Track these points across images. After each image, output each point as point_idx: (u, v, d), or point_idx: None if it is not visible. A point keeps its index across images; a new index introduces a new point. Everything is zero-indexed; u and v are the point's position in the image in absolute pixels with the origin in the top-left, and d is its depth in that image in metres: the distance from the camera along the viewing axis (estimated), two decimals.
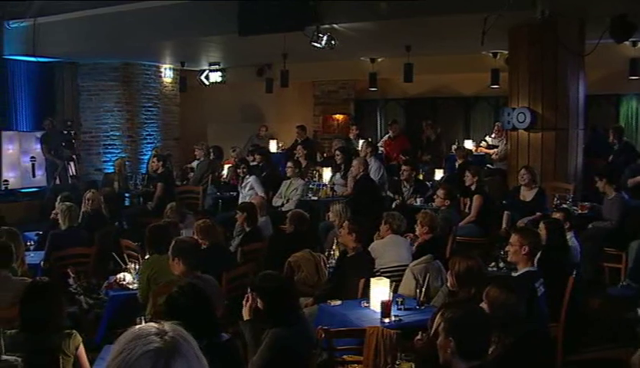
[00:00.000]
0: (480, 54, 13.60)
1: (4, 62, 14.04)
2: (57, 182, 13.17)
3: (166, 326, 1.69)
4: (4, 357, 2.47)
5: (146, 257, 6.61)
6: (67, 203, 8.50)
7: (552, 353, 5.76)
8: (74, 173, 13.70)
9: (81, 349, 4.16)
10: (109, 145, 15.27)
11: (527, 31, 10.12)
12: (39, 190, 13.28)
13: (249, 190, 11.09)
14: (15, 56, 13.91)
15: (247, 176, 11.37)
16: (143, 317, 4.67)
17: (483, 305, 4.18)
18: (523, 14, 9.11)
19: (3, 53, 13.76)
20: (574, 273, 6.09)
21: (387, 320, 5.34)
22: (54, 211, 9.41)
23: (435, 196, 9.49)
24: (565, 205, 9.06)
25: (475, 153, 13.57)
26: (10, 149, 13.79)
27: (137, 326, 1.69)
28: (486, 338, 3.47)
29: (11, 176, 13.66)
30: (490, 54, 13.71)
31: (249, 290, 4.62)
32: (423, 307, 5.64)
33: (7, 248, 5.74)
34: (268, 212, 9.66)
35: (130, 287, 6.54)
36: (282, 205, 10.97)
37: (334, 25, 10.39)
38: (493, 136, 14.23)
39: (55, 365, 3.82)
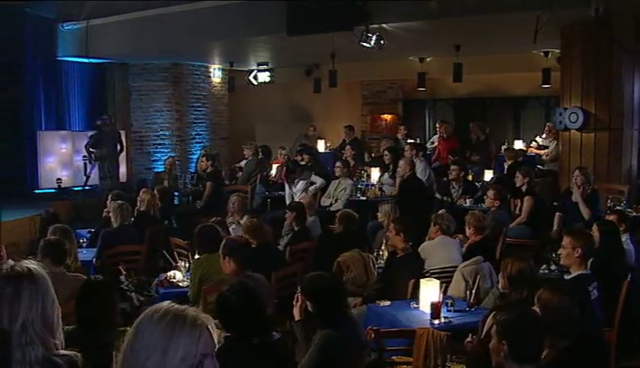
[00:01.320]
0: (531, 53, 13.43)
1: (59, 63, 14.35)
2: (107, 181, 13.35)
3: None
4: (64, 352, 2.50)
5: (197, 256, 6.67)
6: (119, 201, 8.61)
7: (607, 357, 5.64)
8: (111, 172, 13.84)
9: None
10: (158, 144, 15.47)
11: (580, 29, 9.94)
12: (91, 188, 13.50)
13: (301, 185, 11.13)
14: (69, 57, 14.22)
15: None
16: None
17: (536, 308, 4.11)
18: (577, 12, 8.97)
19: (57, 54, 14.09)
20: (629, 276, 5.95)
21: (436, 322, 5.30)
22: (105, 210, 9.57)
23: (485, 197, 9.39)
24: (619, 207, 8.86)
25: (526, 154, 13.39)
26: (63, 149, 14.10)
27: None
28: (539, 341, 3.41)
29: (64, 175, 13.94)
30: (541, 53, 13.50)
31: (298, 290, 4.63)
32: (473, 309, 5.59)
33: (61, 246, 5.82)
34: (316, 212, 9.67)
35: (180, 284, 6.62)
36: (331, 204, 10.96)
37: (384, 25, 10.35)
38: (543, 136, 14.02)
39: (109, 362, 3.87)
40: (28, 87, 13.81)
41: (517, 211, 9.67)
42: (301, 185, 11.21)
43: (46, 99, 14.20)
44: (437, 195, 10.84)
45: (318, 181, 11.30)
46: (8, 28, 13.15)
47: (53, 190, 13.56)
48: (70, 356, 2.47)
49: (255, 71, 15.58)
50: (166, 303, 2.03)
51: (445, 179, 11.34)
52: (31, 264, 2.60)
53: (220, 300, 4.02)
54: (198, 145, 15.77)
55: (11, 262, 2.62)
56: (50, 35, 13.91)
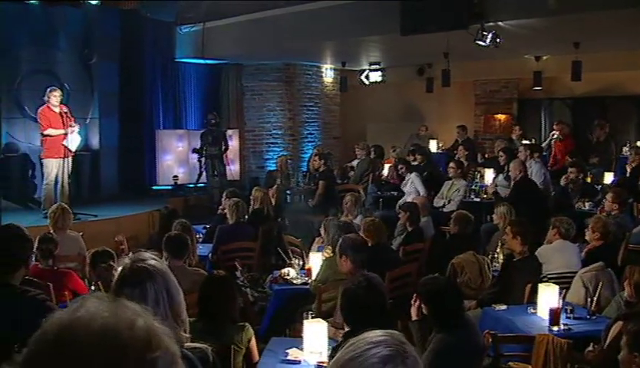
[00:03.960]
0: None
1: (176, 65, 14.89)
2: (216, 179, 13.68)
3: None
4: (194, 345, 2.57)
5: (328, 256, 6.67)
6: (235, 199, 8.81)
7: None
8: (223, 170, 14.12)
9: (253, 342, 4.28)
10: (271, 143, 15.74)
11: None
12: (205, 185, 13.90)
13: (411, 186, 11.05)
14: (186, 59, 14.72)
15: (408, 174, 11.35)
16: (309, 313, 4.76)
17: None
18: None
19: (175, 56, 14.59)
20: None
21: (555, 328, 5.14)
22: (220, 207, 9.81)
23: (604, 200, 9.03)
24: None
25: None
26: (180, 147, 14.60)
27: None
28: None
29: (180, 172, 14.44)
30: None
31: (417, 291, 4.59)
32: (594, 317, 5.38)
33: (184, 240, 5.96)
34: (430, 213, 9.58)
35: (295, 282, 6.69)
36: (444, 205, 10.83)
37: (499, 23, 10.13)
38: None
39: (226, 356, 3.96)
40: (147, 88, 14.39)
41: None
42: (409, 186, 11.13)
43: (164, 99, 14.78)
44: (554, 198, 10.51)
45: (421, 190, 11.09)
46: (130, 32, 13.75)
47: (169, 187, 14.04)
48: (201, 350, 2.54)
49: (367, 71, 15.60)
50: None
51: (562, 181, 10.98)
52: (152, 258, 2.68)
53: (347, 294, 4.05)
54: (310, 144, 15.94)
55: (131, 256, 2.71)
56: (168, 38, 14.44)
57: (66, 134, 10.29)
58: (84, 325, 1.18)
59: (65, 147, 10.33)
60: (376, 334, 1.67)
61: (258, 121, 15.79)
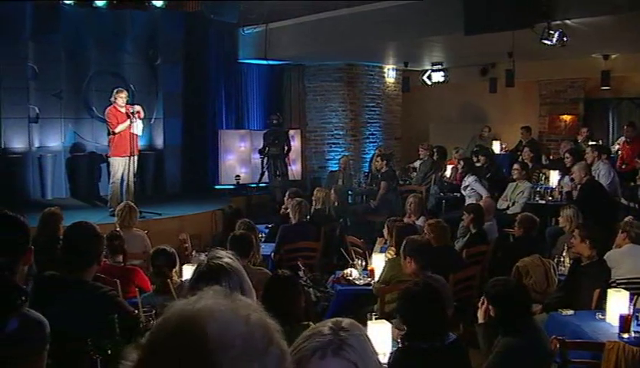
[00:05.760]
0: None
1: (239, 66, 15.04)
2: (278, 178, 13.74)
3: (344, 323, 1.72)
4: None
5: (391, 257, 6.64)
6: (298, 199, 8.84)
7: None
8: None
9: None
10: (333, 143, 15.75)
11: None
12: (267, 185, 13.99)
13: (472, 191, 10.89)
14: (248, 60, 14.86)
15: (466, 176, 11.17)
16: (373, 314, 4.73)
17: None
18: None
19: (238, 57, 14.74)
20: None
21: (626, 336, 4.98)
22: (283, 206, 9.86)
23: None
24: None
25: None
26: (242, 147, 14.74)
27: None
28: None
29: (242, 172, 14.57)
30: None
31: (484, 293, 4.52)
32: None
33: (248, 239, 6.00)
34: (495, 216, 9.42)
35: (357, 282, 6.67)
36: (508, 207, 10.65)
37: (566, 21, 9.91)
38: None
39: None
40: (211, 88, 14.57)
41: None
42: (468, 190, 10.97)
43: (227, 99, 14.94)
44: (623, 201, 10.23)
45: (483, 192, 10.89)
46: (194, 34, 13.96)
47: (231, 186, 14.17)
48: None
49: (430, 71, 15.46)
50: None
51: (632, 183, 10.69)
52: (227, 257, 2.73)
53: (406, 296, 4.03)
54: (372, 145, 15.89)
55: (203, 256, 2.76)
56: (231, 39, 14.60)
57: (131, 123, 10.52)
58: (202, 318, 1.24)
59: (131, 146, 10.53)
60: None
61: (320, 121, 15.82)
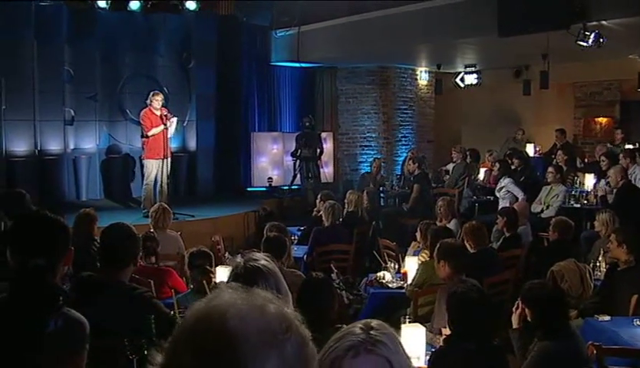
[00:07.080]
0: None
1: (272, 68, 15.13)
2: (310, 181, 13.76)
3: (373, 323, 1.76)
4: None
5: (425, 260, 6.61)
6: (331, 201, 8.84)
7: None
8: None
9: None
10: (365, 146, 15.74)
11: None
12: (299, 188, 14.02)
13: (506, 193, 10.81)
14: (281, 62, 14.95)
15: (502, 178, 11.08)
16: (406, 317, 4.72)
17: None
18: None
19: (270, 60, 14.81)
20: None
21: None
22: (315, 209, 9.87)
23: None
24: None
25: None
26: (274, 149, 14.81)
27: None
28: None
29: (275, 174, 14.63)
30: None
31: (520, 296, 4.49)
32: None
33: (282, 242, 6.00)
34: (529, 220, 9.33)
35: (390, 285, 6.65)
36: (542, 211, 10.53)
37: (603, 22, 9.78)
38: None
39: None
40: (243, 91, 14.67)
41: None
42: (503, 192, 10.88)
43: (259, 102, 15.04)
44: None
45: (518, 194, 10.78)
46: (227, 37, 14.04)
47: (264, 188, 14.22)
48: None
49: (463, 73, 15.38)
50: None
51: None
52: (264, 259, 2.74)
53: (458, 296, 4.02)
54: (404, 147, 15.85)
55: (239, 258, 2.77)
56: (264, 42, 14.70)
57: (166, 128, 10.61)
58: (219, 313, 1.29)
59: (164, 148, 10.63)
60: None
61: (352, 124, 15.83)
